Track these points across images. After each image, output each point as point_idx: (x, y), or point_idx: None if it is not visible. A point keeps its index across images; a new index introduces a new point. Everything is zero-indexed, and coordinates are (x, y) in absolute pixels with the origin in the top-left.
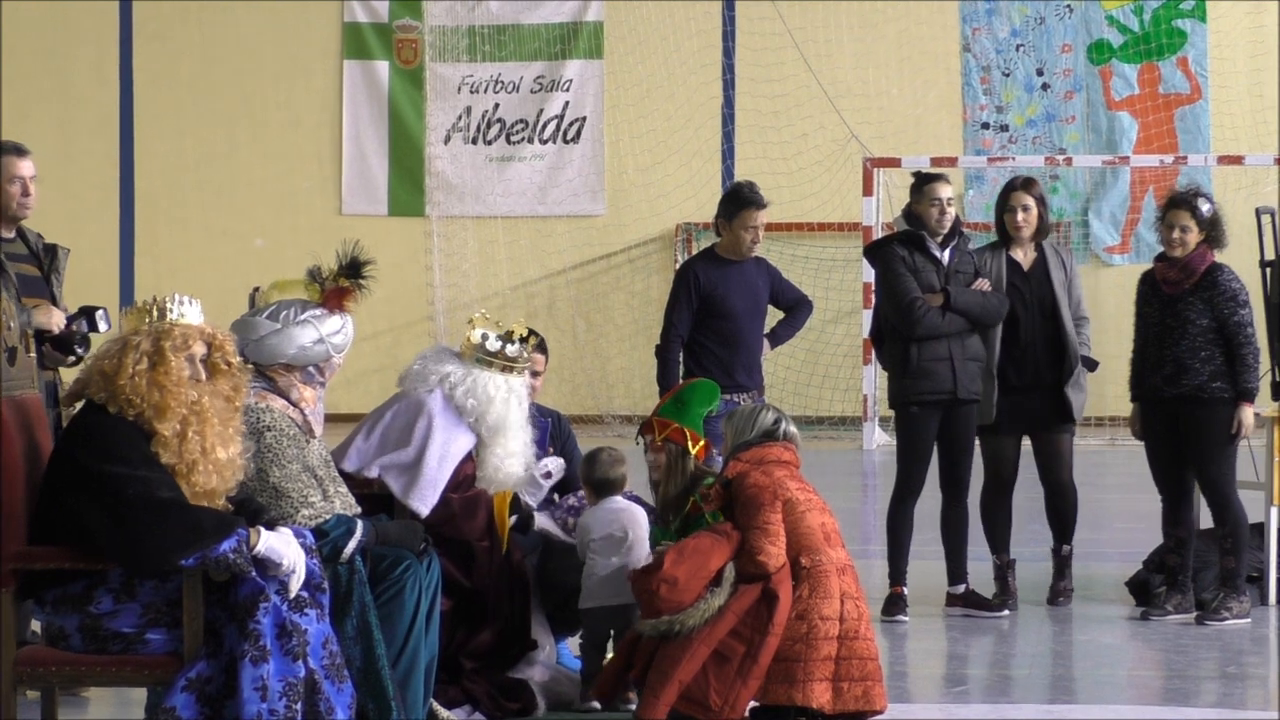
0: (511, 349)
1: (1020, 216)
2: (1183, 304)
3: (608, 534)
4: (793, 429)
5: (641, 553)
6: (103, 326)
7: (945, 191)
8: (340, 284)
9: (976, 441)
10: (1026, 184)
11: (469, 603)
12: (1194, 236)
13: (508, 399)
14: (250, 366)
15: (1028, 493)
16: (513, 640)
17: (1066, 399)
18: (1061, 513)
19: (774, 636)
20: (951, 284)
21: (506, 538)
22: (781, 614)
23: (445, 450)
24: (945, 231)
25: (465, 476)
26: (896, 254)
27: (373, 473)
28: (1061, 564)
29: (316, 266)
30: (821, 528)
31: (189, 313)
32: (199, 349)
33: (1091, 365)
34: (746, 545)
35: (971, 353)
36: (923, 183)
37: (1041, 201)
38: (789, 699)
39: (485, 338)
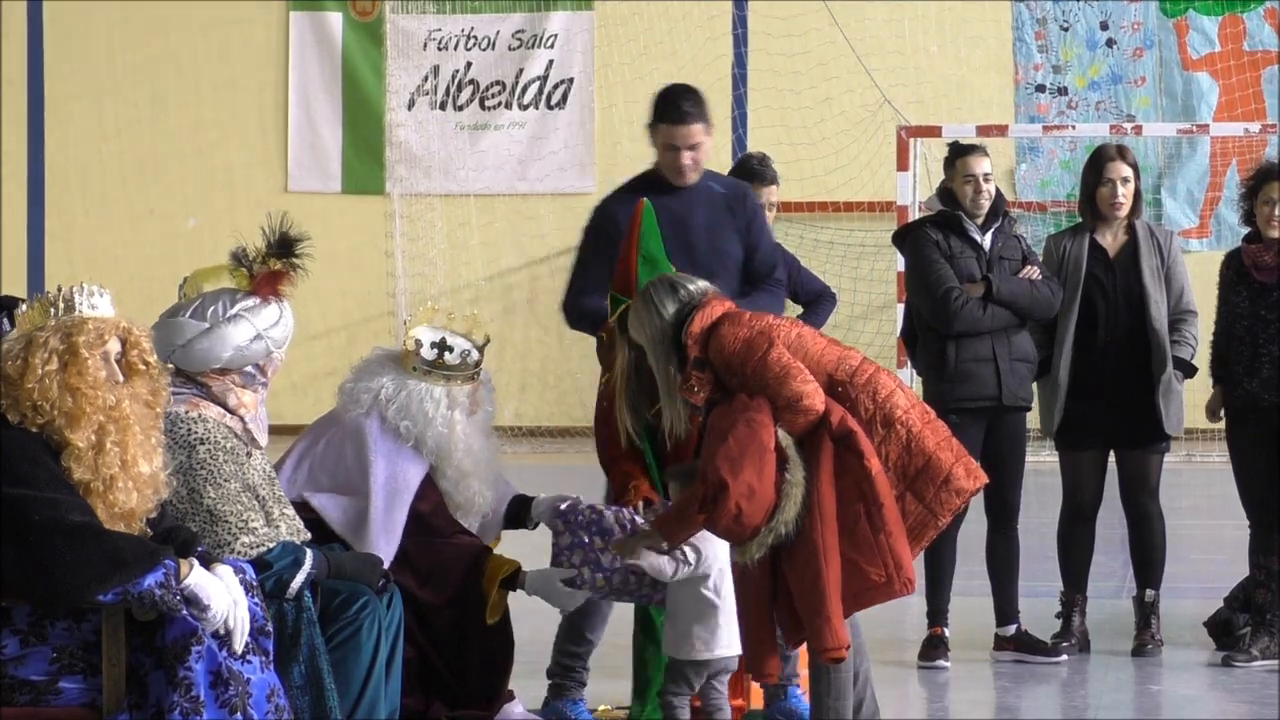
0: (451, 357)
1: (1121, 192)
2: None
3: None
4: (701, 282)
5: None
6: None
7: (981, 166)
8: (270, 266)
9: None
10: (1122, 151)
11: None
12: None
13: (449, 415)
14: (172, 368)
15: (1100, 518)
16: (483, 697)
17: (1157, 410)
18: (1146, 549)
19: (878, 472)
20: (994, 272)
21: (490, 608)
22: (866, 444)
23: (393, 487)
24: (984, 212)
25: (434, 509)
26: (929, 238)
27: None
28: (1146, 613)
29: (241, 248)
30: (821, 337)
31: (99, 305)
32: (114, 345)
33: (1189, 371)
34: (778, 401)
35: (1019, 352)
36: (955, 156)
37: (1137, 173)
38: (960, 496)
39: (420, 344)
